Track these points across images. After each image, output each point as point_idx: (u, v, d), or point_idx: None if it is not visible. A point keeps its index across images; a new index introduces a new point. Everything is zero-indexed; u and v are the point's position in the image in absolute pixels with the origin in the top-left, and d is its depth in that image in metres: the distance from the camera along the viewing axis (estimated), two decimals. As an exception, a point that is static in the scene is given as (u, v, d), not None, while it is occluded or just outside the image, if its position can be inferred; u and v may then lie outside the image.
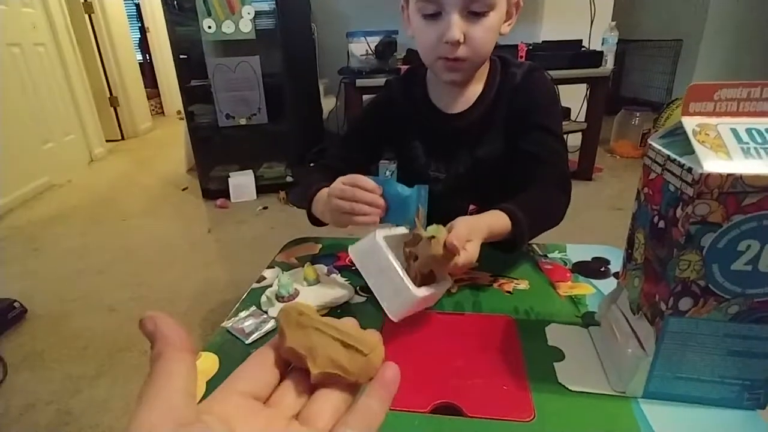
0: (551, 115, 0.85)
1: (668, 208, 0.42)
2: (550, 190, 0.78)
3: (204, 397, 0.23)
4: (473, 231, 0.60)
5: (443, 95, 0.86)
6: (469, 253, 0.58)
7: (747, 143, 0.38)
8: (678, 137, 0.44)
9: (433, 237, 0.55)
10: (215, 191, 2.85)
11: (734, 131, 0.39)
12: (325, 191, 0.74)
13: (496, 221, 0.66)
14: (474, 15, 0.72)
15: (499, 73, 0.85)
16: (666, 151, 0.43)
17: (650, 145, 0.46)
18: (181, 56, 2.64)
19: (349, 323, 0.26)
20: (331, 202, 0.68)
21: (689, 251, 0.40)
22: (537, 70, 0.85)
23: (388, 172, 2.31)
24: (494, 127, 0.85)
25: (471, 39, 0.73)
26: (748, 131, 0.39)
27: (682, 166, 0.40)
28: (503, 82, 0.84)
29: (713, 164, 0.37)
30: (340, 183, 0.67)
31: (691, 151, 0.39)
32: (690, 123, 0.41)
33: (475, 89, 0.85)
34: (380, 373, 0.25)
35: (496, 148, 0.85)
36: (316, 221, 0.82)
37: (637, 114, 3.34)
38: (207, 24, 2.44)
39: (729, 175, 0.37)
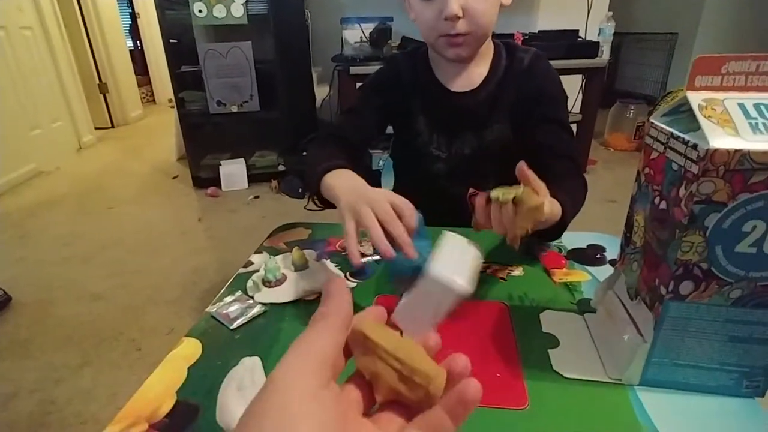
0: (562, 107, 0.86)
1: (671, 187, 0.40)
2: (573, 181, 0.77)
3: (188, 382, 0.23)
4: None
5: (446, 74, 0.85)
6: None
7: (755, 119, 0.36)
8: (681, 114, 0.42)
9: (511, 197, 0.50)
10: (206, 180, 2.81)
11: (742, 106, 0.37)
12: (339, 172, 0.67)
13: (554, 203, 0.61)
14: None
15: (505, 58, 0.84)
16: (669, 128, 0.41)
17: (652, 123, 0.45)
18: (171, 41, 2.59)
19: (415, 346, 0.25)
20: (358, 205, 0.57)
21: (692, 232, 0.38)
22: (543, 58, 0.85)
23: (381, 162, 2.28)
24: (501, 111, 0.84)
25: (470, 12, 0.72)
26: (756, 106, 0.37)
27: (686, 143, 0.38)
28: (510, 66, 0.84)
29: (720, 140, 0.35)
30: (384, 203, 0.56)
31: (695, 128, 0.38)
32: (696, 98, 0.39)
33: (480, 71, 0.84)
34: (462, 388, 0.23)
35: (503, 133, 0.85)
36: (322, 200, 0.70)
37: (632, 107, 3.33)
38: (198, 8, 2.38)
39: (736, 151, 0.35)
